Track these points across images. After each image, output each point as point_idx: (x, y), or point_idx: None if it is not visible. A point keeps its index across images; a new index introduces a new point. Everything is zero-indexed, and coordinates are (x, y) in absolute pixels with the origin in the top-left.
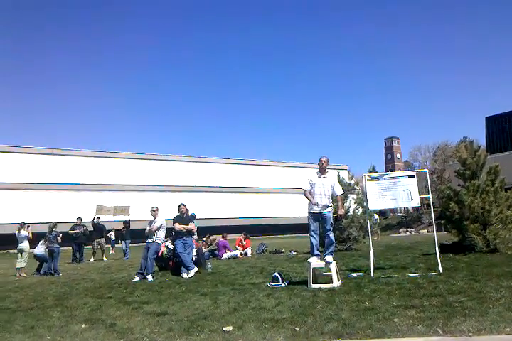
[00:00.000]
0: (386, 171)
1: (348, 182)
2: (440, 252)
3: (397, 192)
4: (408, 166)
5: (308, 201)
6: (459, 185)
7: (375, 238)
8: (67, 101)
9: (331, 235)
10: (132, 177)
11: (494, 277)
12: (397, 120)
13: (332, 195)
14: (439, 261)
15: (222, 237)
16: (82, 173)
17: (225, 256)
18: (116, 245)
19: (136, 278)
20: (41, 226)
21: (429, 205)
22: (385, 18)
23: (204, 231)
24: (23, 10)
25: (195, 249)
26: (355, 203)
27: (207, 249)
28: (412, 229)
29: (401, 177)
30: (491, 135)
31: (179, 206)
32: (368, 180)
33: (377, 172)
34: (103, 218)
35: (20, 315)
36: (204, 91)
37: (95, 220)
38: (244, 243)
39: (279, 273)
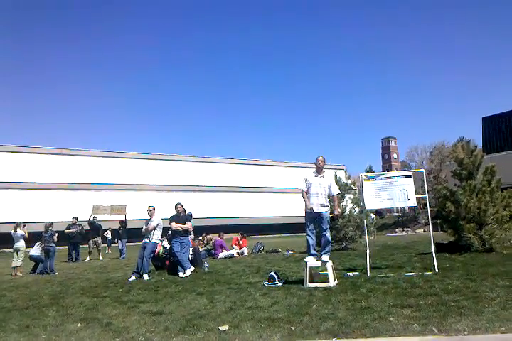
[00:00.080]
0: (383, 171)
1: (345, 181)
2: (436, 252)
3: (394, 192)
4: (405, 166)
5: (303, 197)
6: (455, 184)
7: (372, 237)
8: (65, 101)
9: (328, 234)
10: (129, 177)
11: (490, 276)
12: (395, 120)
13: (328, 194)
14: (435, 260)
15: (219, 236)
16: (78, 172)
17: (221, 255)
18: (112, 244)
19: (132, 278)
20: (37, 225)
21: (425, 205)
22: (384, 19)
23: (200, 230)
24: (22, 10)
25: (191, 249)
26: (351, 203)
27: (203, 248)
28: (409, 229)
29: (398, 177)
30: (488, 135)
31: (176, 205)
32: (364, 179)
33: (374, 172)
34: (99, 217)
35: (16, 314)
36: (203, 91)
37: (92, 219)
38: (240, 242)
39: (275, 273)
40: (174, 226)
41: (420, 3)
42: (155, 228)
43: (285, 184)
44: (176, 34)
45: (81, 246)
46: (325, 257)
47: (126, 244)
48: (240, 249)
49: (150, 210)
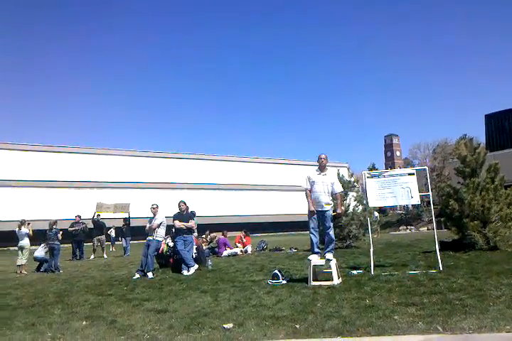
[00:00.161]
0: (386, 169)
1: (348, 179)
2: (440, 250)
3: (397, 190)
4: (408, 164)
5: (306, 196)
6: (458, 182)
7: (375, 235)
8: (67, 99)
9: (331, 232)
10: (132, 175)
11: (494, 275)
12: (397, 117)
13: (332, 192)
14: (439, 258)
15: (223, 234)
16: (82, 170)
17: (225, 253)
18: (116, 242)
19: (137, 276)
20: (41, 223)
21: (428, 203)
22: (385, 16)
23: (204, 228)
24: (23, 8)
25: (195, 247)
26: (355, 201)
27: (207, 246)
28: (412, 227)
29: (401, 174)
30: (491, 133)
31: (179, 203)
32: (367, 177)
33: (376, 169)
34: (103, 215)
35: (21, 312)
36: (204, 88)
37: (95, 217)
38: (244, 240)
39: (279, 271)
40: (178, 224)
41: (420, 1)
42: (159, 226)
43: (288, 182)
44: (177, 31)
45: (85, 244)
46: (329, 255)
47: (130, 242)
48: (244, 247)
49: (153, 208)
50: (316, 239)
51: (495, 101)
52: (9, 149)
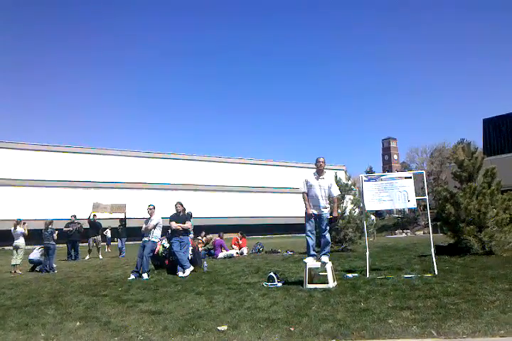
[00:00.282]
0: (383, 172)
1: (345, 182)
2: (436, 254)
3: (394, 193)
4: (405, 167)
5: (304, 200)
6: (455, 186)
7: (371, 239)
8: (66, 98)
9: (327, 235)
10: (129, 175)
11: (489, 279)
12: (395, 121)
13: (329, 195)
14: (434, 262)
15: (219, 236)
16: (79, 170)
17: (221, 255)
18: (112, 243)
19: (132, 276)
20: (37, 223)
21: (425, 207)
22: (385, 20)
23: (200, 230)
24: (23, 6)
25: (191, 248)
26: (351, 204)
27: (203, 247)
28: (408, 231)
29: (398, 178)
30: (488, 137)
31: (176, 204)
32: (364, 180)
33: (374, 173)
34: (99, 216)
35: (15, 312)
36: (203, 90)
37: (91, 217)
38: (240, 242)
39: (274, 273)
40: (174, 225)
41: (421, 4)
42: (155, 227)
43: (285, 184)
44: (178, 32)
45: (80, 244)
46: (324, 258)
47: (126, 242)
48: (240, 248)
49: (150, 209)
50: (312, 242)
51: (493, 105)
52: (5, 148)
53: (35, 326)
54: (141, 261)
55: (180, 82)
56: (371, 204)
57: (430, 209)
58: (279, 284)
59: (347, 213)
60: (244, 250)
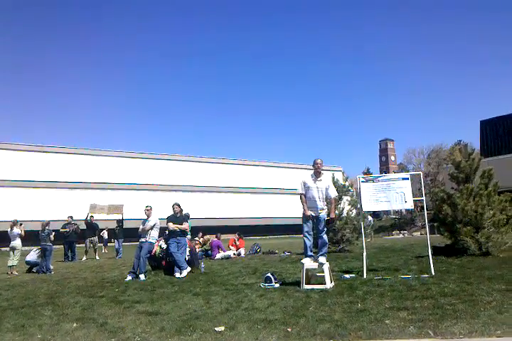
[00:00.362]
0: (380, 173)
1: (343, 183)
2: (433, 255)
3: (391, 194)
4: (402, 168)
5: (302, 201)
6: (452, 188)
7: (369, 240)
8: (63, 99)
9: (325, 236)
10: (126, 176)
11: (486, 280)
12: (392, 122)
13: (326, 196)
14: (431, 263)
15: (216, 237)
16: (76, 171)
17: (218, 256)
18: (109, 244)
19: (129, 277)
20: (34, 224)
21: (422, 208)
22: (383, 20)
23: (197, 231)
24: (23, 7)
25: (188, 249)
26: (349, 205)
27: (200, 248)
28: (405, 232)
29: (395, 179)
30: (485, 138)
31: (173, 205)
32: (362, 181)
33: (371, 174)
34: (96, 216)
35: (11, 314)
36: (202, 91)
37: (88, 218)
38: (237, 243)
39: (272, 274)
40: (171, 226)
41: (419, 3)
42: (152, 228)
43: (283, 185)
44: (177, 33)
45: (77, 245)
46: (322, 259)
47: (123, 243)
48: (237, 249)
49: (147, 210)
50: (309, 243)
51: (490, 107)
52: (2, 149)
53: (32, 327)
54: (138, 262)
55: (179, 83)
56: (368, 205)
57: (427, 210)
58: (277, 285)
59: (344, 214)
60: (242, 251)
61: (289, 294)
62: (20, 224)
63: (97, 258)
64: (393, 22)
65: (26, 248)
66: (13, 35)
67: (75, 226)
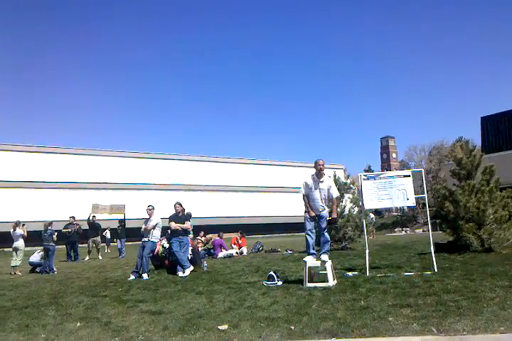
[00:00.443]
0: (382, 170)
1: (344, 181)
2: (435, 251)
3: (393, 192)
4: (404, 166)
5: (305, 202)
6: (454, 184)
7: (371, 237)
8: (64, 100)
9: (327, 234)
10: (128, 176)
11: (489, 276)
12: (394, 119)
13: (328, 196)
14: (434, 260)
15: (218, 236)
16: (78, 172)
17: (220, 254)
18: (111, 244)
19: (132, 277)
20: (36, 224)
21: (424, 205)
22: (383, 17)
23: (199, 230)
24: (22, 8)
25: (190, 248)
26: (351, 202)
27: (202, 247)
28: (408, 229)
29: (396, 176)
30: (487, 135)
31: (175, 205)
32: (363, 179)
33: (372, 171)
34: (99, 216)
35: (15, 314)
36: (201, 90)
37: (91, 218)
38: (240, 242)
39: (274, 272)
40: (173, 225)
41: (419, 2)
42: (154, 227)
43: (285, 183)
44: (177, 32)
45: (80, 245)
46: (324, 256)
47: (125, 243)
48: (239, 248)
49: (149, 209)
50: (311, 241)
51: (491, 103)
52: (3, 150)
53: (36, 327)
54: (140, 262)
55: (179, 82)
56: (370, 202)
57: (429, 207)
58: (279, 283)
59: (346, 212)
60: (244, 249)
61: (291, 292)
62: (23, 225)
63: (100, 258)
64: (393, 19)
65: (29, 248)
66: (13, 35)
67: (77, 227)
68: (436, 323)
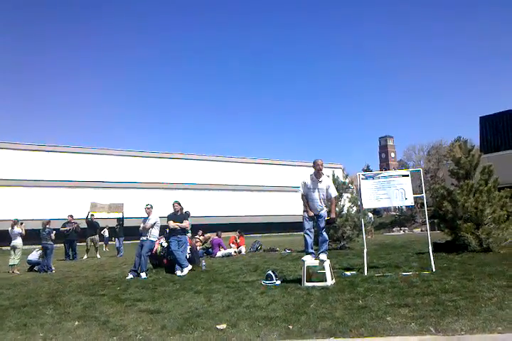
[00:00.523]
0: (380, 170)
1: (343, 181)
2: (433, 251)
3: (391, 191)
4: (402, 165)
5: (303, 202)
6: (452, 184)
7: (369, 237)
8: (63, 98)
9: (325, 233)
10: (127, 175)
11: (487, 276)
12: (392, 119)
13: (327, 196)
14: (432, 260)
15: (217, 235)
16: (76, 170)
17: (219, 254)
18: (109, 242)
19: (130, 276)
20: (35, 223)
21: (422, 204)
22: (383, 17)
23: (198, 229)
24: (22, 7)
25: (189, 247)
26: (349, 202)
27: (201, 246)
28: (406, 228)
29: (395, 176)
30: (485, 135)
31: (173, 204)
32: (362, 178)
33: (371, 171)
34: (97, 215)
35: (13, 312)
36: (201, 89)
37: (89, 217)
38: (238, 241)
39: (273, 271)
40: (172, 224)
41: (418, 2)
42: (152, 226)
43: (283, 182)
44: (176, 31)
45: (78, 244)
46: (322, 256)
47: (124, 242)
48: (238, 247)
49: (148, 208)
50: (310, 240)
51: (490, 103)
52: (3, 148)
53: (34, 326)
54: (139, 261)
55: (179, 81)
56: (369, 202)
57: (427, 206)
58: (278, 282)
59: (345, 211)
60: (243, 248)
61: (290, 291)
62: (21, 223)
63: (98, 256)
64: (392, 19)
65: (27, 247)
66: (13, 34)
67: (76, 225)
68: (434, 323)
